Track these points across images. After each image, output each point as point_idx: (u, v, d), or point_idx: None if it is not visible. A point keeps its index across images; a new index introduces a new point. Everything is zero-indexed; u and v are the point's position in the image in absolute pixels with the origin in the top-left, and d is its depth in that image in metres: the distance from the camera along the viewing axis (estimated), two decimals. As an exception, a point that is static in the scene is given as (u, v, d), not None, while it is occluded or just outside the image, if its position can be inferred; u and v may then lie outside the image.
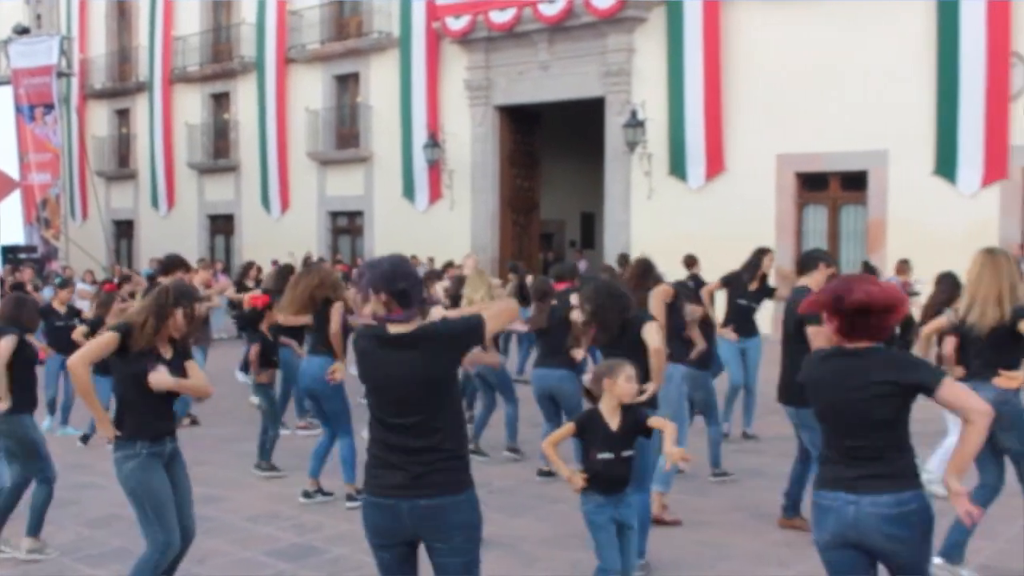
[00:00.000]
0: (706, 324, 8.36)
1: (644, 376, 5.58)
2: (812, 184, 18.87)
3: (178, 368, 5.06)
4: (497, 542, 6.54)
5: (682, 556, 6.24)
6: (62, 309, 11.19)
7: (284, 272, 10.91)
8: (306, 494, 7.75)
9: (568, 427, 5.08)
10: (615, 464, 4.90)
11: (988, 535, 6.48)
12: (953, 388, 3.64)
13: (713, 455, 8.27)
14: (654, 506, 6.74)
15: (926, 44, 16.92)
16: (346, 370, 7.71)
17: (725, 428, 9.38)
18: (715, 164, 19.33)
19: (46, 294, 16.33)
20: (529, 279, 13.49)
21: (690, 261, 13.15)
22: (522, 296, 12.03)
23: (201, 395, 5.59)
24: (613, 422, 4.92)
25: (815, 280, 6.58)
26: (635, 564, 5.02)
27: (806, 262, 6.87)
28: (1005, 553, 6.29)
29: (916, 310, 8.84)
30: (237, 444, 9.65)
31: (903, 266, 14.90)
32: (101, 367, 7.11)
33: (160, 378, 4.96)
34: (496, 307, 4.09)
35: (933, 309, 7.09)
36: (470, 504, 3.81)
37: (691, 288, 9.38)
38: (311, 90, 26.11)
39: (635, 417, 4.98)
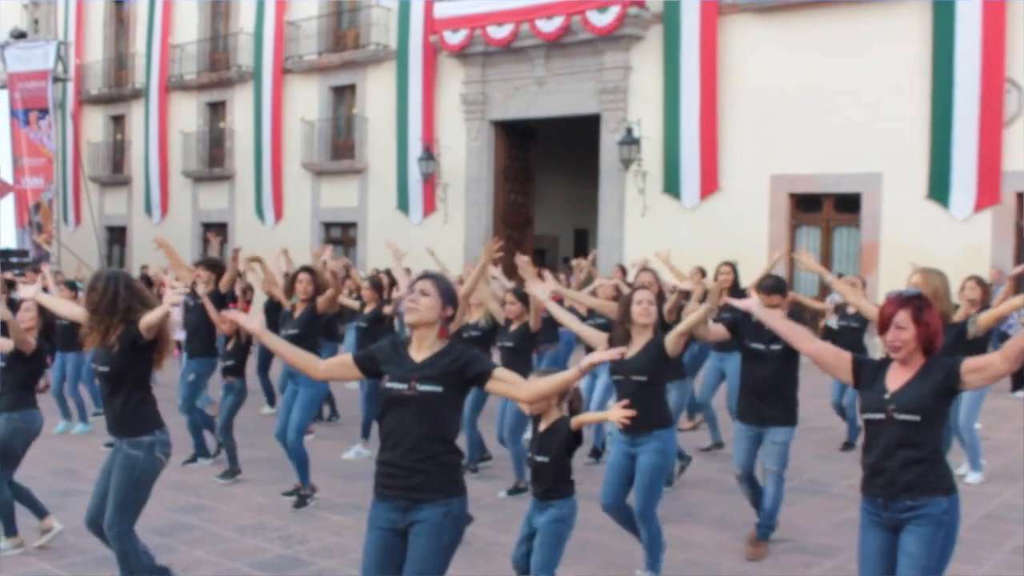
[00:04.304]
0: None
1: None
2: (805, 205, 18.91)
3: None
4: (486, 557, 6.52)
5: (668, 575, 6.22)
6: None
7: None
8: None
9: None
10: (531, 463, 5.16)
11: (972, 560, 6.48)
12: None
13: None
14: None
15: (921, 68, 17.00)
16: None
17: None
18: (709, 183, 19.37)
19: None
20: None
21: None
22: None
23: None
24: (542, 425, 5.14)
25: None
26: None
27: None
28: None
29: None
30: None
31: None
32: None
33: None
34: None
35: None
36: None
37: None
38: (307, 101, 26.12)
39: (559, 427, 5.06)
